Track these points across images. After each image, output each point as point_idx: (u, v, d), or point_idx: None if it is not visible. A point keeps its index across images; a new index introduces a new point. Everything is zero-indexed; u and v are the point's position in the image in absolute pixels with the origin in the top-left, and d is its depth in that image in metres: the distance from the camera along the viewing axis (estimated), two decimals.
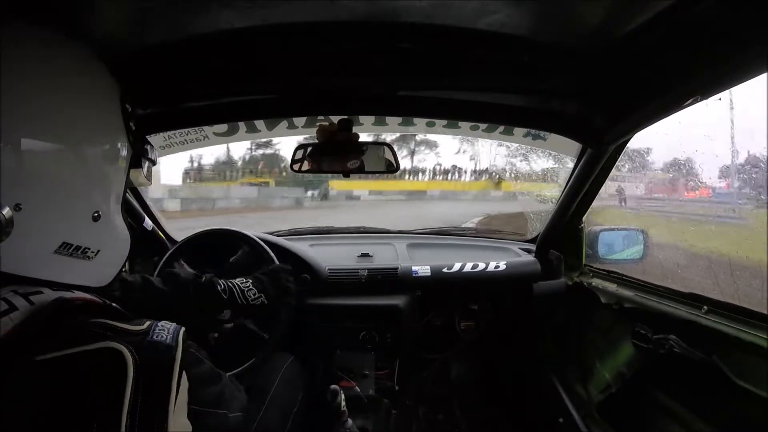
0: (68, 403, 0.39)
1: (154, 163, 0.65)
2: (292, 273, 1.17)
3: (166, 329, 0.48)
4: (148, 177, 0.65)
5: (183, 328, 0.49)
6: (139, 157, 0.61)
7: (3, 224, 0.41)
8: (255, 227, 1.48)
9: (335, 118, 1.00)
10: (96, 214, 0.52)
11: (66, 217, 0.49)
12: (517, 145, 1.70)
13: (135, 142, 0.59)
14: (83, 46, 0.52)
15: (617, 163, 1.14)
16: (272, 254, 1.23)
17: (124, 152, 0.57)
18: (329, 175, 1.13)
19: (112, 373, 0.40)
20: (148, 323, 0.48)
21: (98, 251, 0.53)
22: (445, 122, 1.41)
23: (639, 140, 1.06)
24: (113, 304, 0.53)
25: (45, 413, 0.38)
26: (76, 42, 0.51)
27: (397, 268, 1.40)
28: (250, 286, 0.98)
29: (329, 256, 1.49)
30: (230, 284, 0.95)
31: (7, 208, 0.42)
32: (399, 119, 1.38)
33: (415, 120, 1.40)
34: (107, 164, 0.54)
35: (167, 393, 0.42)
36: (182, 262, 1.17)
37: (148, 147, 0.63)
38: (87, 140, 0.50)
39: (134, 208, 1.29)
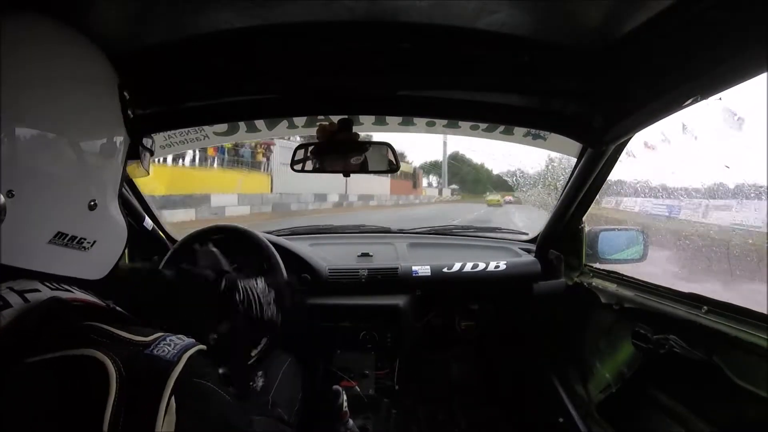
0: (50, 410, 0.36)
1: (152, 153, 0.64)
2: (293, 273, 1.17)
3: (173, 344, 0.42)
4: (146, 167, 0.64)
5: (198, 347, 0.44)
6: (137, 147, 0.59)
7: None
8: None
9: (335, 118, 1.00)
10: (92, 203, 0.50)
11: (61, 205, 0.47)
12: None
13: (133, 131, 0.57)
14: (80, 34, 0.51)
15: None
16: (282, 265, 1.20)
17: (121, 141, 0.55)
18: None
19: (93, 385, 0.36)
20: (157, 335, 0.43)
21: (94, 242, 0.51)
22: (445, 122, 1.41)
23: None
24: (117, 308, 0.51)
25: (31, 417, 0.36)
26: (74, 28, 0.50)
27: (397, 268, 1.41)
28: (270, 301, 0.92)
29: (329, 256, 1.49)
30: (249, 292, 0.89)
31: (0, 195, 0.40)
32: (399, 119, 1.38)
33: (415, 120, 1.40)
34: (104, 152, 0.52)
35: (154, 414, 0.36)
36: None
37: (146, 137, 0.61)
38: (83, 127, 0.49)
39: (134, 208, 1.29)
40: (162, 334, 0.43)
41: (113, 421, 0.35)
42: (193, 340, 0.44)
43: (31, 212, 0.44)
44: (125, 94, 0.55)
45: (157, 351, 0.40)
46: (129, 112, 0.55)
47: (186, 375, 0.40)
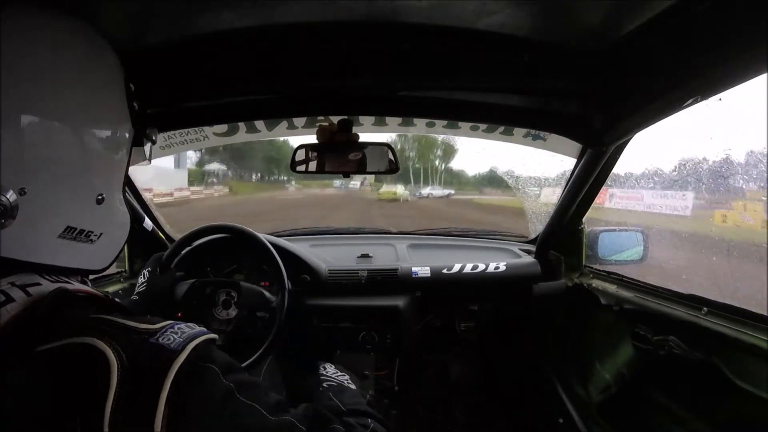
0: (55, 397, 0.36)
1: (154, 142, 0.64)
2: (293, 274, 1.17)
3: (180, 332, 0.40)
4: (148, 156, 0.64)
5: (208, 336, 0.42)
6: (141, 136, 0.59)
7: (8, 209, 0.40)
8: None
9: (335, 119, 1.00)
10: (100, 197, 0.51)
11: (71, 200, 0.48)
12: None
13: (137, 123, 0.58)
14: (88, 25, 0.51)
15: None
16: (283, 269, 1.19)
17: (127, 133, 0.55)
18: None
19: (95, 374, 0.36)
20: (165, 323, 0.42)
21: (101, 234, 0.52)
22: (445, 122, 1.41)
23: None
24: (115, 300, 0.51)
25: (40, 406, 0.36)
26: (81, 21, 0.50)
27: (397, 269, 1.40)
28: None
29: (329, 257, 1.49)
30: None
31: (12, 192, 0.41)
32: (399, 119, 1.38)
33: (415, 120, 1.40)
34: (111, 146, 0.53)
35: (154, 405, 0.35)
36: None
37: (149, 128, 0.61)
38: (92, 122, 0.50)
39: (134, 208, 1.28)
40: (170, 322, 0.42)
41: (114, 414, 0.34)
42: (204, 328, 0.44)
43: (42, 209, 0.44)
44: (131, 85, 0.55)
45: (162, 339, 0.40)
46: (134, 104, 0.56)
47: (190, 363, 0.38)
